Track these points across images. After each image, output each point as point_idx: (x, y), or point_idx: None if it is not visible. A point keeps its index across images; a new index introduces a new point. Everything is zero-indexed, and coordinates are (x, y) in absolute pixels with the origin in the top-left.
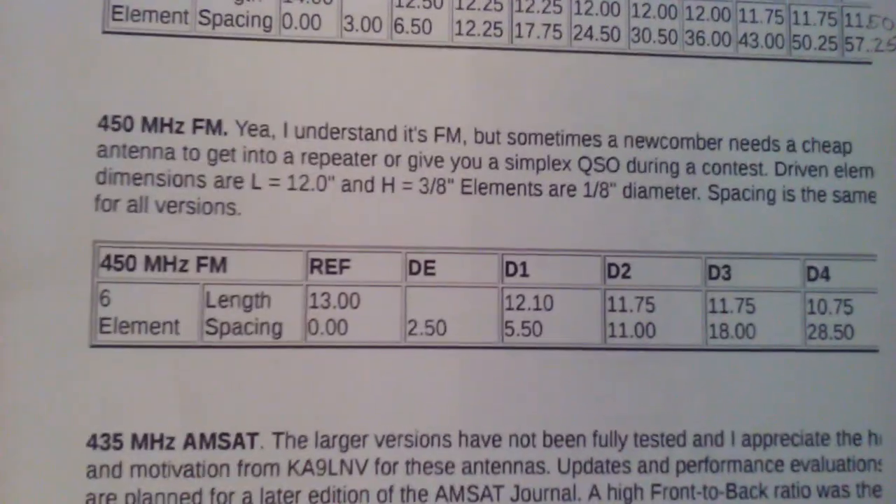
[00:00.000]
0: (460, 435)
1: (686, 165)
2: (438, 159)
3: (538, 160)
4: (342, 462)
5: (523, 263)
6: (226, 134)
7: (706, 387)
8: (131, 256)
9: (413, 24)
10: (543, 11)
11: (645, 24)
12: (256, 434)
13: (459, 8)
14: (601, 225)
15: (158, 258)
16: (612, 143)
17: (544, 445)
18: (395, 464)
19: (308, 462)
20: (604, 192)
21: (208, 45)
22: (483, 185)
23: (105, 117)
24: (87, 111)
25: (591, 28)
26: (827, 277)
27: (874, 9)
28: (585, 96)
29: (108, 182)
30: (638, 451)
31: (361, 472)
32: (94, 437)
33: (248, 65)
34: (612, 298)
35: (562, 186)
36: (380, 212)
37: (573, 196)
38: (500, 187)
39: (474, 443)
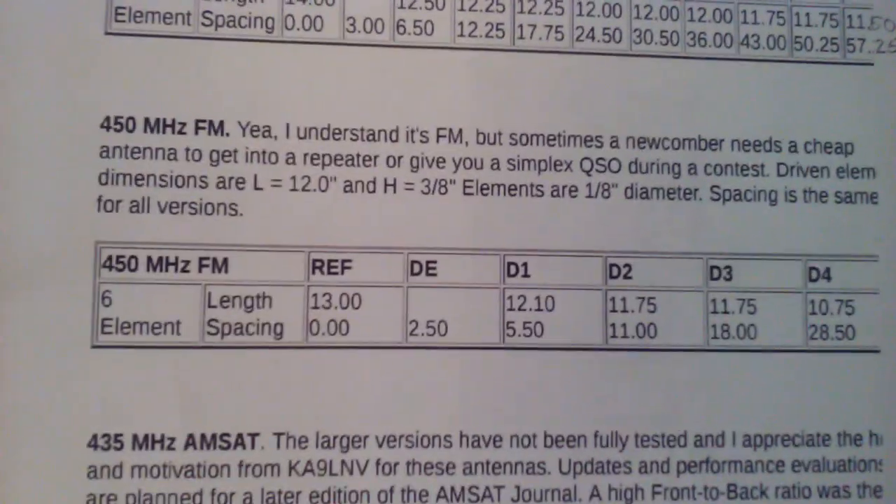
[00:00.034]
0: (461, 435)
1: (688, 166)
2: (440, 160)
3: (540, 161)
4: (343, 462)
5: (525, 264)
6: (228, 135)
7: (707, 387)
8: (133, 257)
9: (415, 26)
10: (545, 13)
11: (647, 25)
12: (257, 434)
13: (461, 9)
14: (603, 225)
15: (160, 259)
16: (614, 144)
17: (545, 446)
18: (396, 464)
19: (309, 462)
20: (605, 193)
21: (210, 47)
22: (485, 186)
23: (107, 118)
24: (90, 112)
25: (592, 29)
26: (828, 278)
27: (876, 10)
28: (587, 97)
29: (111, 183)
30: (639, 451)
31: (362, 472)
32: (94, 437)
33: (250, 66)
34: (613, 299)
35: (563, 187)
36: (381, 212)
37: (575, 197)
38: (501, 188)
39: (475, 443)
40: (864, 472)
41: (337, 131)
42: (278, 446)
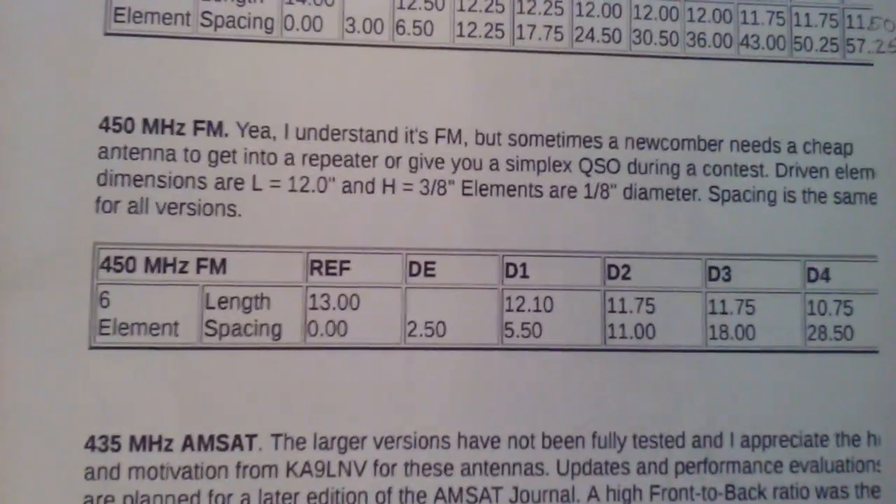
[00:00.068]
0: (459, 436)
1: (687, 167)
2: (439, 160)
3: (539, 161)
4: (341, 463)
5: (523, 265)
6: (226, 135)
7: (706, 388)
8: (131, 258)
9: (414, 26)
10: (545, 13)
11: (646, 25)
12: (255, 435)
13: (461, 10)
14: (601, 226)
15: (158, 260)
16: (613, 145)
17: (543, 447)
18: (394, 465)
19: (307, 463)
20: (604, 194)
21: (210, 47)
22: (483, 187)
23: (106, 119)
24: (88, 112)
25: (592, 30)
26: (827, 278)
27: (875, 10)
28: (586, 98)
29: (109, 183)
30: (637, 452)
31: (360, 473)
32: (92, 438)
33: (249, 66)
34: (612, 300)
35: (562, 188)
36: (380, 213)
37: (574, 197)
38: (500, 188)
39: (473, 444)
40: (861, 473)
41: (336, 132)
42: (276, 447)
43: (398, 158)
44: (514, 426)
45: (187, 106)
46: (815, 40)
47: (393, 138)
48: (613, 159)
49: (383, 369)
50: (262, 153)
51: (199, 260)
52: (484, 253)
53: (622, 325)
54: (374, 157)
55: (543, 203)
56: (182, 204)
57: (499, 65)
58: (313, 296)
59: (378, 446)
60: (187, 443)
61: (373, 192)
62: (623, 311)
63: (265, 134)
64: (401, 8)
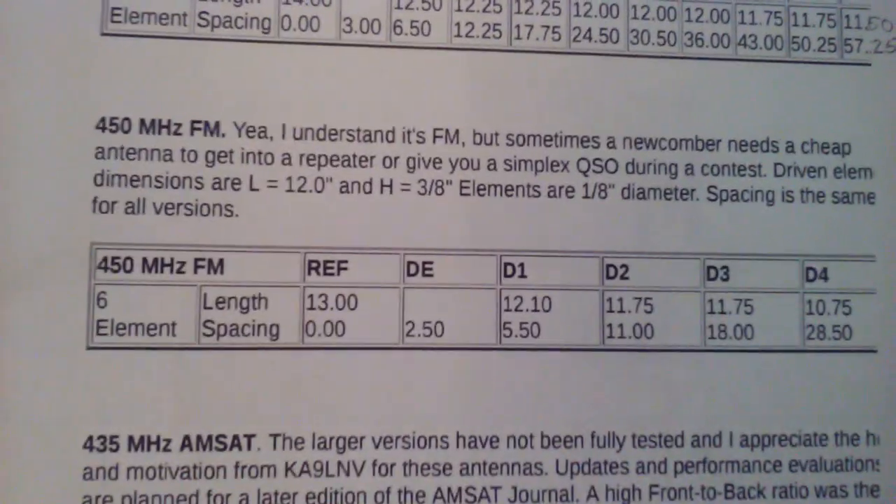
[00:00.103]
0: (458, 436)
1: (685, 166)
2: (437, 161)
3: (536, 161)
4: (339, 463)
5: (521, 265)
6: (224, 135)
7: (704, 387)
8: (128, 258)
9: (412, 26)
10: (542, 13)
11: (644, 25)
12: (253, 436)
13: (458, 10)
14: (599, 226)
15: (155, 260)
16: (611, 145)
17: (542, 446)
18: (393, 465)
19: (305, 463)
20: (602, 194)
21: (206, 47)
22: (481, 187)
23: (103, 119)
24: (85, 113)
25: (590, 30)
26: (825, 278)
27: (873, 10)
28: (584, 98)
29: (106, 184)
30: (636, 451)
31: (359, 473)
32: (90, 438)
33: (246, 66)
34: (610, 299)
35: (560, 188)
36: (377, 213)
37: (571, 197)
38: (498, 188)
39: (472, 444)
40: (861, 472)
41: (333, 132)
42: (274, 447)
43: (395, 158)
44: (513, 426)
45: (184, 106)
46: (812, 40)
47: (390, 138)
48: (611, 159)
49: (381, 369)
50: (260, 153)
51: (196, 260)
52: (482, 253)
53: (620, 325)
54: (372, 158)
55: (541, 203)
56: (179, 204)
57: (496, 65)
58: (311, 296)
59: (377, 446)
60: (185, 443)
61: (370, 192)
62: (621, 311)
63: (262, 134)
64: (398, 8)
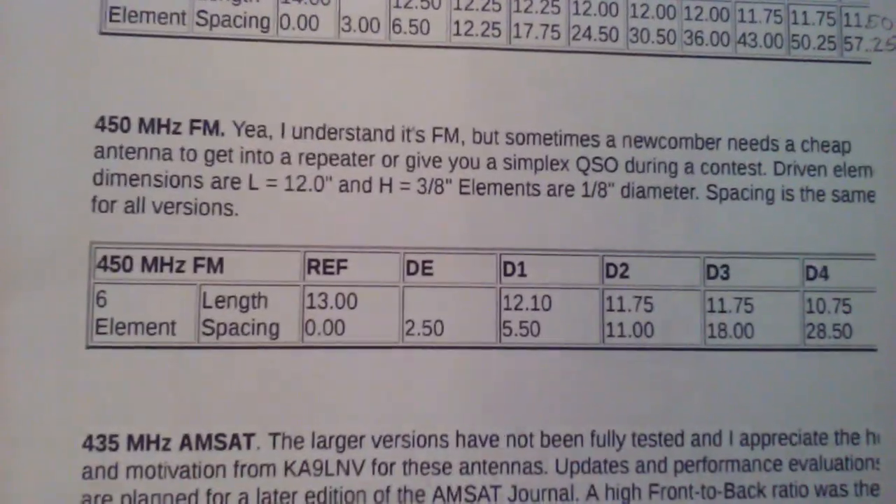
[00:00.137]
0: (458, 435)
1: (684, 165)
2: (436, 159)
3: (536, 160)
4: (339, 462)
5: (521, 263)
6: (223, 134)
7: (704, 386)
8: (128, 257)
9: (411, 25)
10: (541, 12)
11: (643, 24)
12: (253, 435)
13: (457, 8)
14: (599, 225)
15: (155, 259)
16: (611, 143)
17: (542, 445)
18: (392, 464)
19: (305, 462)
20: (602, 192)
21: (205, 46)
22: (481, 186)
23: (102, 118)
24: (84, 112)
25: (589, 28)
26: (826, 277)
27: (873, 8)
28: (583, 96)
29: (105, 183)
30: (636, 450)
31: (358, 472)
32: (89, 437)
33: (245, 65)
34: (610, 298)
35: (560, 186)
36: (377, 212)
37: (571, 196)
38: (497, 187)
39: (472, 443)
40: (861, 471)
41: (332, 131)
42: (274, 446)
43: (395, 157)
44: (513, 425)
45: (183, 105)
46: (812, 38)
47: (390, 137)
48: (611, 158)
49: (381, 368)
50: (259, 152)
51: (195, 259)
52: (481, 252)
53: (620, 324)
54: (371, 156)
55: (541, 202)
56: (178, 203)
57: (495, 63)
58: (311, 295)
59: (376, 445)
60: (185, 442)
61: (370, 191)
62: (621, 310)
63: (261, 133)
64: (397, 7)
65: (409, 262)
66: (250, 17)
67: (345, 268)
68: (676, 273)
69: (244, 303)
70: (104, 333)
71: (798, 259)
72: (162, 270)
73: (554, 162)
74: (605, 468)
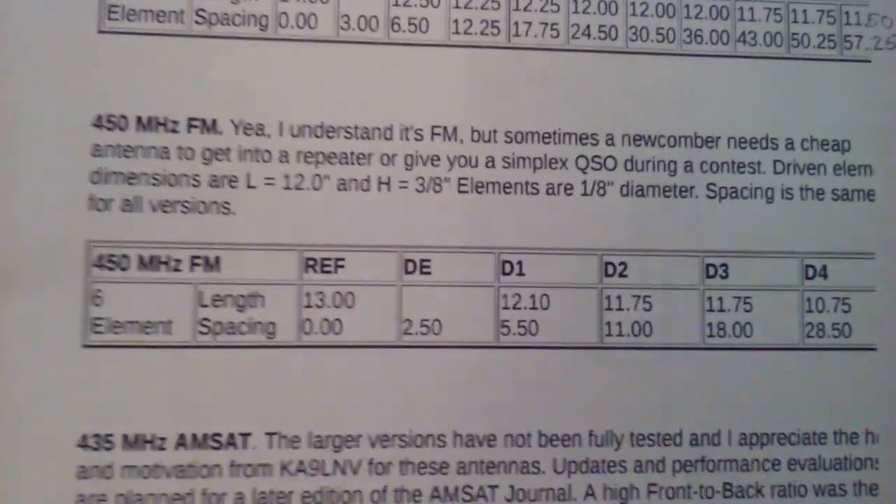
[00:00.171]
0: (455, 435)
1: (684, 164)
2: (435, 158)
3: (535, 159)
4: (336, 462)
5: (519, 262)
6: (221, 133)
7: (703, 386)
8: (125, 256)
9: (410, 23)
10: (541, 10)
11: (643, 22)
12: (249, 434)
13: (456, 7)
14: (598, 224)
15: (152, 258)
16: (610, 142)
17: (540, 445)
18: (389, 464)
19: (301, 462)
20: (601, 191)
21: (204, 45)
22: (479, 184)
23: (99, 116)
24: (82, 110)
25: (588, 27)
26: (825, 276)
27: (873, 7)
28: (583, 95)
29: (102, 182)
30: (634, 450)
31: (355, 472)
32: (84, 437)
33: (243, 64)
34: (608, 297)
35: (559, 185)
36: (375, 211)
37: (570, 195)
38: (496, 186)
39: (469, 443)
40: (860, 471)
41: (331, 129)
42: (270, 446)
43: (393, 156)
44: (511, 424)
45: (181, 104)
46: (812, 37)
47: (388, 136)
48: (610, 156)
49: (379, 368)
50: (257, 151)
51: (192, 258)
52: (480, 250)
53: (619, 323)
54: (370, 155)
55: (540, 200)
56: (176, 202)
57: (494, 62)
58: (308, 294)
59: (373, 445)
60: (181, 441)
61: (368, 189)
62: (620, 309)
63: (260, 131)
64: (396, 5)
65: (407, 261)
66: (249, 16)
67: (342, 267)
68: (675, 272)
69: (241, 302)
70: (100, 332)
71: (797, 258)
72: (159, 269)
73: (553, 161)
74: (603, 468)
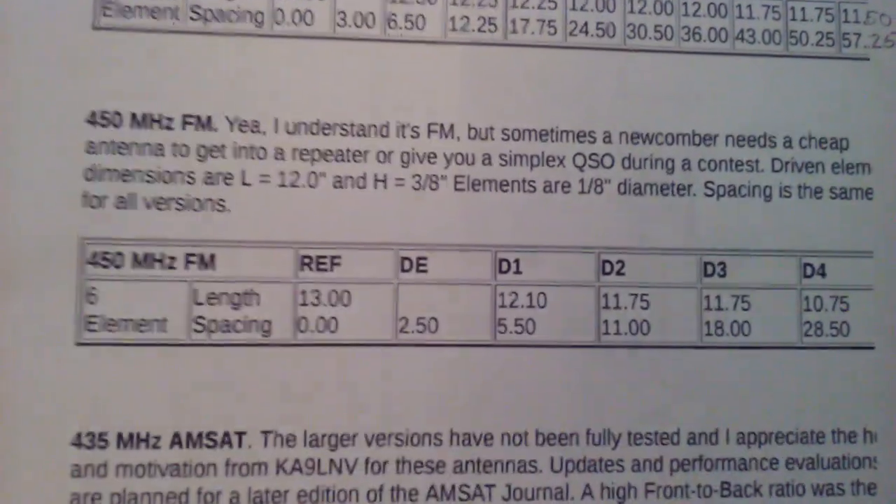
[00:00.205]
0: (451, 433)
1: (682, 162)
2: (431, 155)
3: (532, 156)
4: (331, 461)
5: (516, 260)
6: (216, 130)
7: (701, 384)
8: (119, 253)
9: (406, 20)
10: (538, 7)
11: (641, 20)
12: (244, 433)
13: (453, 4)
14: (595, 221)
15: (146, 255)
16: (607, 140)
17: (537, 444)
18: (386, 463)
19: (297, 461)
20: (598, 189)
21: (199, 41)
22: (476, 182)
23: (94, 113)
24: (76, 107)
25: (586, 24)
26: (823, 274)
27: (871, 5)
28: (580, 92)
29: (96, 178)
30: (631, 449)
31: (351, 471)
32: (79, 435)
33: (238, 60)
34: (606, 295)
35: (556, 183)
36: (371, 208)
37: (567, 192)
38: (493, 184)
39: (466, 441)
40: (858, 470)
41: (326, 126)
42: (266, 445)
43: (390, 153)
44: (507, 423)
45: (176, 100)
46: (810, 35)
47: (384, 133)
48: (607, 154)
49: (375, 366)
50: (252, 148)
51: (187, 255)
52: (477, 248)
53: (616, 322)
54: (366, 152)
55: (537, 198)
56: (170, 199)
57: (491, 59)
58: (304, 292)
59: (369, 444)
60: (176, 440)
61: (364, 187)
62: (617, 307)
63: (255, 128)
64: (392, 2)
65: (404, 258)
66: (244, 12)
67: (338, 264)
68: (673, 270)
69: (236, 300)
70: (94, 330)
71: (795, 256)
72: (153, 267)
73: (550, 158)
74: (600, 467)
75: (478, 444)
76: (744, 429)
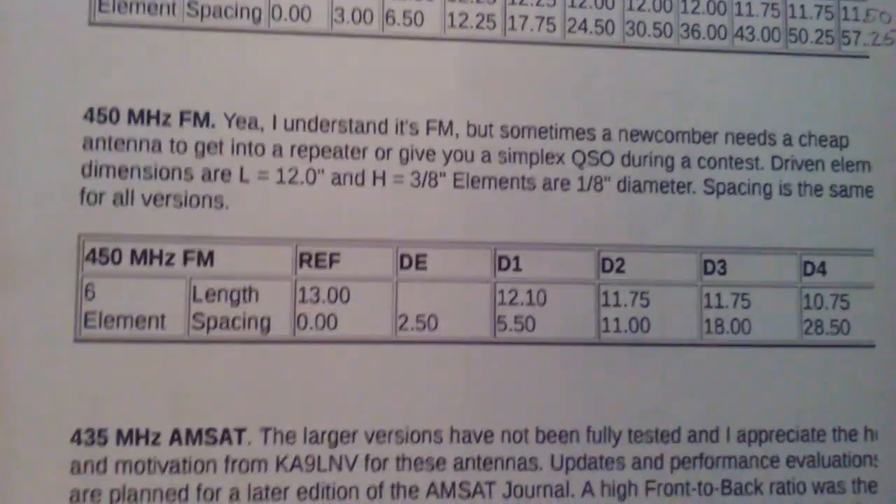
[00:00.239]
0: (452, 431)
1: (681, 159)
2: (430, 152)
3: (531, 154)
4: (331, 458)
5: (516, 258)
6: (213, 126)
7: (701, 382)
8: (117, 250)
9: (404, 17)
10: (537, 4)
11: (640, 17)
12: (244, 430)
13: (451, 0)
14: (595, 219)
15: (144, 252)
16: (607, 137)
17: (537, 441)
18: (386, 460)
19: (296, 458)
20: (598, 186)
21: (196, 37)
22: (475, 179)
23: (91, 109)
24: (73, 103)
25: (585, 21)
26: (823, 272)
27: (871, 2)
28: (579, 89)
29: (94, 175)
30: (632, 447)
31: (351, 468)
32: (78, 432)
33: (236, 56)
34: (606, 293)
35: (555, 180)
36: (370, 205)
37: (567, 190)
38: (492, 181)
39: (466, 439)
40: (858, 468)
41: (325, 123)
42: (265, 441)
43: (388, 150)
44: (508, 420)
45: (173, 97)
46: (810, 32)
47: (383, 130)
48: (607, 152)
49: (374, 363)
50: (250, 144)
51: (185, 252)
52: (476, 246)
53: (616, 319)
54: (364, 149)
55: (536, 195)
56: (168, 195)
57: (490, 56)
58: (302, 289)
59: (369, 441)
60: (175, 437)
61: (363, 184)
62: (617, 305)
63: (253, 125)
64: None
65: (403, 255)
66: (241, 8)
67: (337, 262)
68: (673, 268)
69: (235, 296)
70: (93, 327)
71: (796, 254)
72: (151, 263)
73: (549, 155)
74: (600, 465)
75: (478, 441)
76: (744, 427)
